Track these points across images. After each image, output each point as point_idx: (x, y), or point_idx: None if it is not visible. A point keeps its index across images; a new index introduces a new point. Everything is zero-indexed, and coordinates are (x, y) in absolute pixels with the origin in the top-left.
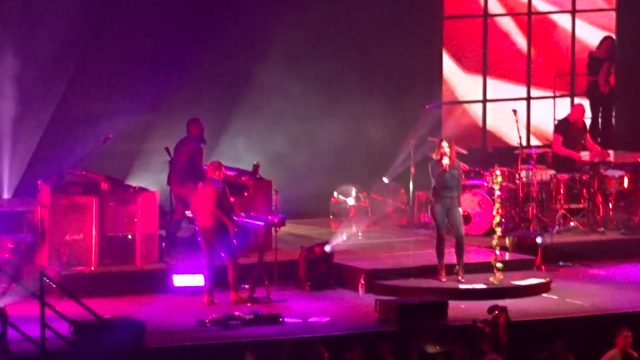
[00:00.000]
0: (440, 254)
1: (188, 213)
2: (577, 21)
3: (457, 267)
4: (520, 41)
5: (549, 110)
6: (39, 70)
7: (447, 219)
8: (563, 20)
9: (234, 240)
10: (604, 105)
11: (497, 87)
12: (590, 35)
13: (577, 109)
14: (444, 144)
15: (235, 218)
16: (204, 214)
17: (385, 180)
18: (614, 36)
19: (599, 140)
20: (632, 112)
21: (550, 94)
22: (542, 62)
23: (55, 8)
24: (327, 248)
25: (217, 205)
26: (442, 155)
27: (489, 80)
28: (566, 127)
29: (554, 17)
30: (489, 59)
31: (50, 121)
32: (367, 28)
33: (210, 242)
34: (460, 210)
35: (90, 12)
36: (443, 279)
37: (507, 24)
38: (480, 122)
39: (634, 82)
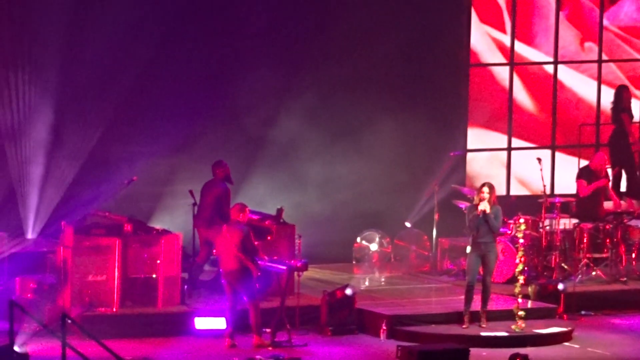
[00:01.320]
0: (468, 300)
1: (214, 253)
2: (569, 72)
3: (481, 312)
4: (521, 96)
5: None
6: (67, 114)
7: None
8: (564, 76)
9: (257, 284)
10: (629, 155)
11: (495, 139)
12: (587, 88)
13: (599, 158)
14: (485, 188)
15: (258, 262)
16: (227, 257)
17: (408, 224)
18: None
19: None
20: None
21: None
22: (543, 117)
23: (83, 55)
24: (348, 291)
25: (241, 248)
26: (480, 199)
27: (481, 132)
28: (588, 175)
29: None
30: (484, 111)
31: (79, 164)
32: (389, 75)
33: (233, 285)
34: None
35: (115, 58)
36: (464, 326)
37: (506, 79)
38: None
39: None
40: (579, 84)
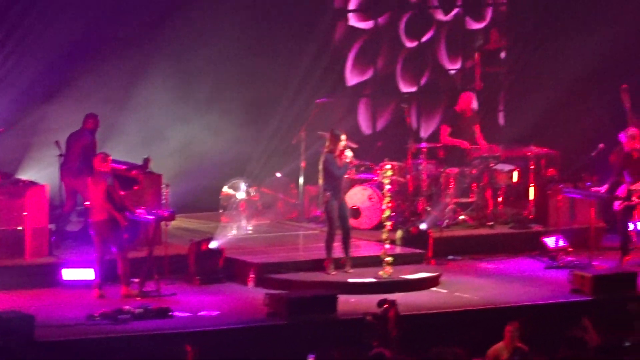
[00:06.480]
0: (330, 248)
1: (87, 203)
2: None
3: (344, 259)
4: None
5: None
6: None
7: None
8: None
9: (125, 234)
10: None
11: None
12: None
13: (465, 99)
14: (343, 136)
15: (125, 212)
16: (95, 208)
17: (278, 175)
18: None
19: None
20: (521, 105)
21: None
22: None
23: None
24: (213, 244)
25: (107, 198)
26: (343, 148)
27: None
28: (454, 118)
29: None
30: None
31: None
32: (252, 21)
33: (101, 235)
34: None
35: None
36: (333, 272)
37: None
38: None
39: (524, 75)
40: None
